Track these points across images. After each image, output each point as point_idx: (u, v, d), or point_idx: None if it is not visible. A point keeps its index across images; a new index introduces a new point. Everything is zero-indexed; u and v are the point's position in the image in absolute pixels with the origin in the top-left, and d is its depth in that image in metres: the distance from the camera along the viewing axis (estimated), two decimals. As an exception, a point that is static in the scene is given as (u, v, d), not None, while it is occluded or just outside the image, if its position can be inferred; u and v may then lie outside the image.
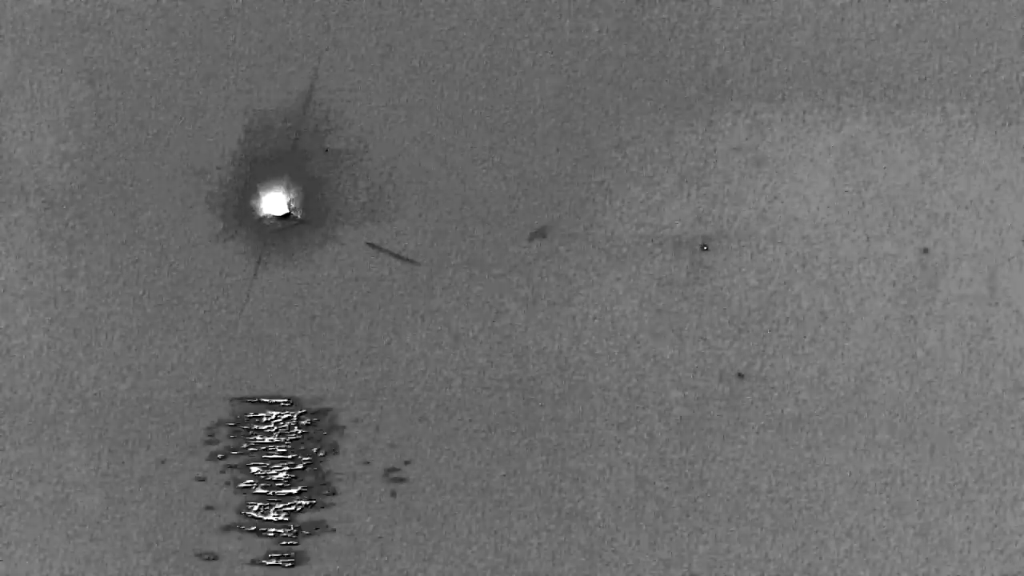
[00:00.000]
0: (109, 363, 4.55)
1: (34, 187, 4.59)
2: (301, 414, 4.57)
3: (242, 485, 4.55)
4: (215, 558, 4.49)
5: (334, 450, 4.56)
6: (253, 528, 4.52)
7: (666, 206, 4.55)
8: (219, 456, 4.55)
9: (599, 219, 4.55)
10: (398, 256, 4.26)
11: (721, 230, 4.53)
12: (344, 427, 4.56)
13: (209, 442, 4.56)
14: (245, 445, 4.57)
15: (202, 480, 4.53)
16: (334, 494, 4.53)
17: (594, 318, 4.53)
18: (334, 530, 4.52)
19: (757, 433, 4.43)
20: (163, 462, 4.53)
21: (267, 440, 4.58)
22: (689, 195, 4.55)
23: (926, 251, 4.51)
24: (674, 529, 4.48)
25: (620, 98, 4.56)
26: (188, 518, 4.52)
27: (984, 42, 4.53)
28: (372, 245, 4.23)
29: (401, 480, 4.52)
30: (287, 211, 4.64)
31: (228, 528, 4.52)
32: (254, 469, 4.56)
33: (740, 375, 4.42)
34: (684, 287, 4.51)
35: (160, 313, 4.56)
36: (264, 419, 4.57)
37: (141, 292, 4.57)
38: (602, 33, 4.57)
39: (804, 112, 4.53)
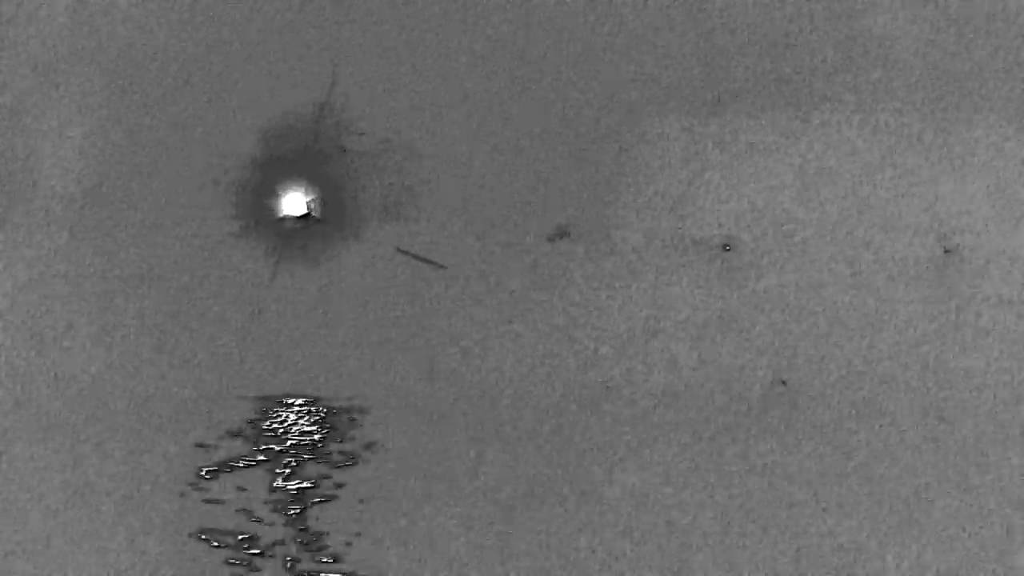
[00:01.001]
0: (125, 362, 4.52)
1: (53, 187, 4.58)
2: (318, 414, 4.54)
3: (258, 485, 4.52)
4: (231, 557, 4.45)
5: (350, 451, 4.53)
6: (268, 527, 4.48)
7: (687, 206, 4.54)
8: (235, 456, 4.52)
9: (620, 219, 4.54)
10: (427, 260, 4.25)
11: (743, 231, 4.53)
12: (362, 428, 4.53)
13: (225, 442, 4.52)
14: (261, 445, 4.53)
15: (217, 479, 4.49)
16: (347, 489, 4.50)
17: (617, 320, 4.51)
18: (355, 533, 4.49)
19: (799, 444, 4.40)
20: (178, 462, 4.50)
21: (283, 441, 4.54)
22: (710, 195, 4.54)
23: (948, 252, 4.50)
24: (708, 545, 4.45)
25: (641, 98, 4.57)
26: (203, 518, 4.48)
27: (1006, 38, 4.54)
28: (402, 250, 4.22)
29: (396, 481, 4.49)
30: (306, 211, 4.63)
31: (243, 527, 4.48)
32: (270, 469, 4.53)
33: (783, 382, 4.40)
34: (711, 289, 4.49)
35: (178, 313, 4.54)
36: (280, 420, 4.54)
37: (159, 292, 4.54)
38: (623, 33, 4.57)
39: (827, 113, 4.54)
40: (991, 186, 4.52)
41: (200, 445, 4.51)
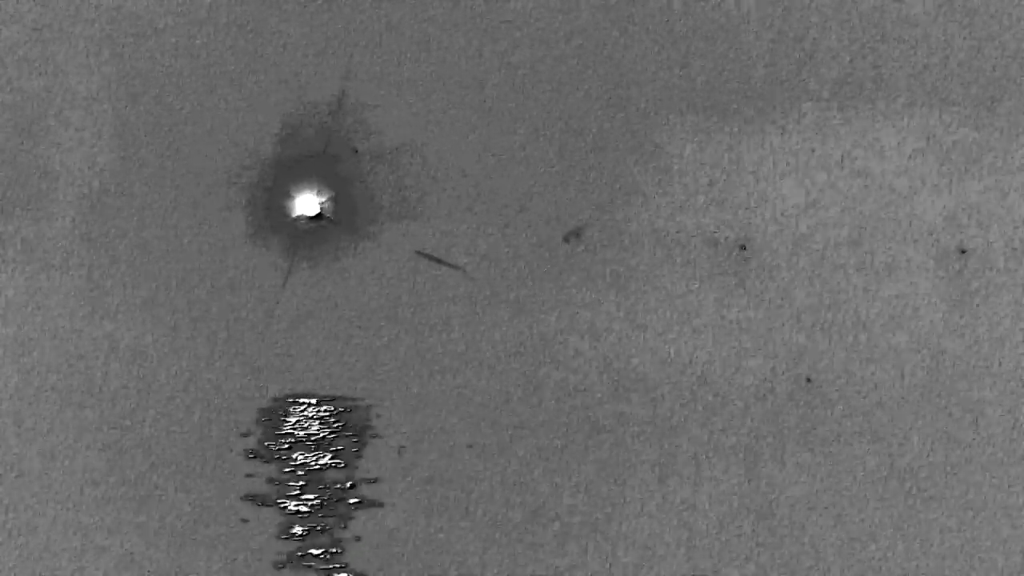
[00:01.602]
0: (140, 364, 4.51)
1: (67, 191, 4.58)
2: (330, 414, 4.52)
3: (274, 485, 4.50)
4: (248, 557, 4.44)
5: (364, 451, 4.51)
6: (286, 531, 4.46)
7: (702, 206, 4.52)
8: (251, 456, 4.50)
9: (634, 219, 4.52)
10: (444, 262, 4.23)
11: (758, 231, 4.51)
12: (376, 428, 4.51)
13: (241, 442, 4.51)
14: (276, 445, 4.52)
15: (235, 480, 4.48)
16: (363, 499, 4.48)
17: (633, 320, 4.49)
18: (361, 536, 4.47)
19: (822, 444, 4.38)
20: (194, 464, 4.48)
21: (298, 441, 4.52)
22: (725, 195, 4.53)
23: (964, 252, 4.48)
24: (731, 548, 4.42)
25: (655, 98, 4.56)
26: (220, 519, 4.46)
27: (1021, 37, 4.54)
28: (421, 253, 4.21)
29: (432, 481, 4.47)
30: (319, 212, 4.62)
31: (262, 529, 4.46)
32: (285, 469, 4.51)
33: (808, 380, 4.37)
34: (726, 290, 4.48)
35: (192, 314, 4.53)
36: (295, 419, 4.52)
37: (173, 293, 4.53)
38: (637, 35, 4.57)
39: (842, 112, 4.53)
40: (1007, 186, 4.51)
41: (213, 445, 4.49)
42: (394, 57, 4.60)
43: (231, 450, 4.49)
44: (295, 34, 4.62)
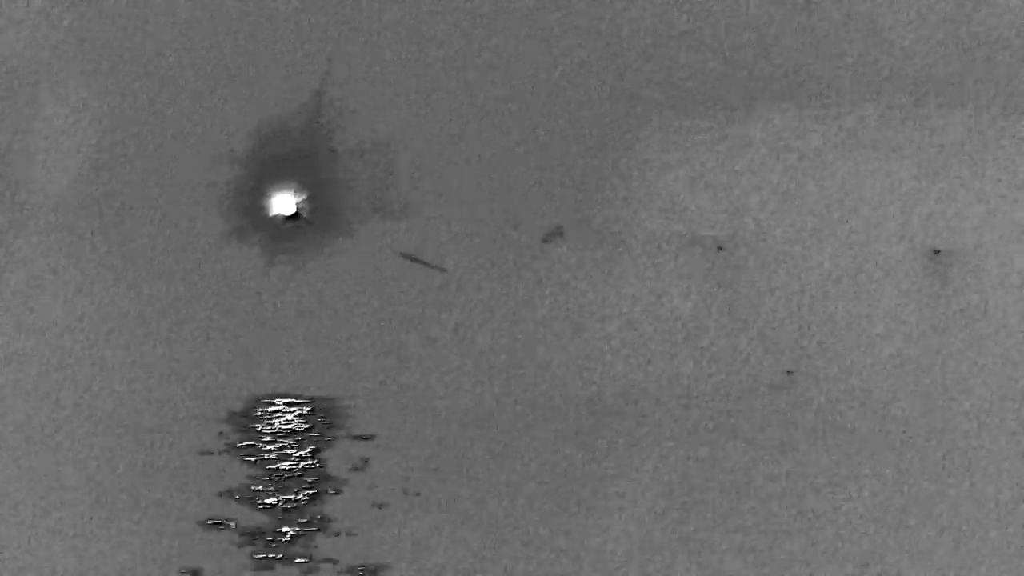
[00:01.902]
0: (122, 362, 4.47)
1: (48, 191, 4.54)
2: (308, 412, 4.50)
3: (252, 481, 4.47)
4: (226, 551, 4.40)
5: (341, 449, 4.50)
6: (261, 524, 4.44)
7: (680, 208, 4.56)
8: (243, 455, 4.47)
9: (614, 220, 4.55)
10: (428, 264, 4.24)
11: (736, 232, 4.55)
12: (356, 428, 4.49)
13: (219, 438, 4.47)
14: (257, 445, 4.49)
15: (213, 476, 4.44)
16: (339, 493, 4.46)
17: (613, 319, 4.52)
18: (339, 532, 4.45)
19: (803, 435, 4.42)
20: (175, 458, 4.44)
21: (273, 438, 4.50)
22: (703, 198, 4.57)
23: (937, 252, 4.56)
24: (714, 535, 4.45)
25: (636, 101, 4.59)
26: (201, 512, 4.43)
27: (998, 45, 4.62)
28: (404, 254, 4.22)
29: (412, 478, 4.46)
30: (296, 211, 4.60)
31: (237, 522, 4.43)
32: (267, 468, 4.48)
33: (789, 372, 4.42)
34: (707, 289, 4.52)
35: (171, 312, 4.50)
36: (271, 417, 4.50)
37: (152, 293, 4.50)
38: (621, 36, 4.59)
39: (820, 116, 4.58)
40: (980, 188, 4.59)
41: (196, 446, 4.45)
42: (375, 59, 4.60)
43: (216, 449, 4.46)
44: (277, 36, 4.60)
